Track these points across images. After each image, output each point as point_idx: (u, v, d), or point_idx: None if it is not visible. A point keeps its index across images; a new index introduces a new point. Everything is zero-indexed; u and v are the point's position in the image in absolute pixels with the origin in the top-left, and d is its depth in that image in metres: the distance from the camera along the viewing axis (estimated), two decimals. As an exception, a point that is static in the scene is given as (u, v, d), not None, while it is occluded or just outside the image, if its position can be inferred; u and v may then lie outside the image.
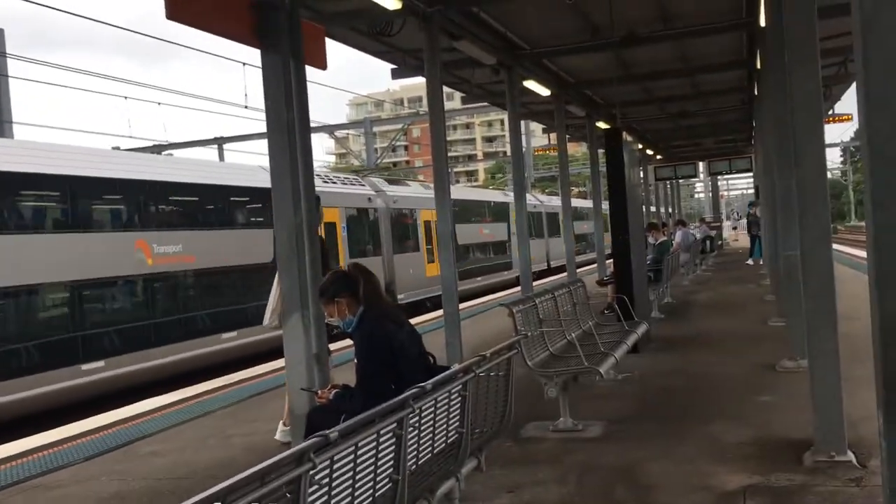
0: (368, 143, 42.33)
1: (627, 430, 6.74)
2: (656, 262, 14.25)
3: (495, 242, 32.37)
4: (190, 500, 2.19)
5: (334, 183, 21.89)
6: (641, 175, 31.80)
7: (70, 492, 6.24)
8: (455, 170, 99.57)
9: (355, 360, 4.31)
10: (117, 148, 30.79)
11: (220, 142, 36.75)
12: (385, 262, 22.58)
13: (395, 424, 3.19)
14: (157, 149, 35.64)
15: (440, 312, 13.06)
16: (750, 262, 25.82)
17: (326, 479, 2.70)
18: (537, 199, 36.71)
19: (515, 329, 6.59)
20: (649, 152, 30.62)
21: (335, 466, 2.75)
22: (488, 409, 4.45)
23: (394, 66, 13.28)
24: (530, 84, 14.08)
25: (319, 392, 4.57)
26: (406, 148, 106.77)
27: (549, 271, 34.36)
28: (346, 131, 54.89)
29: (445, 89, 11.85)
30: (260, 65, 6.55)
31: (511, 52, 12.75)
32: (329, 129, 39.51)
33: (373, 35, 10.86)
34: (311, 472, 2.54)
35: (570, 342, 7.52)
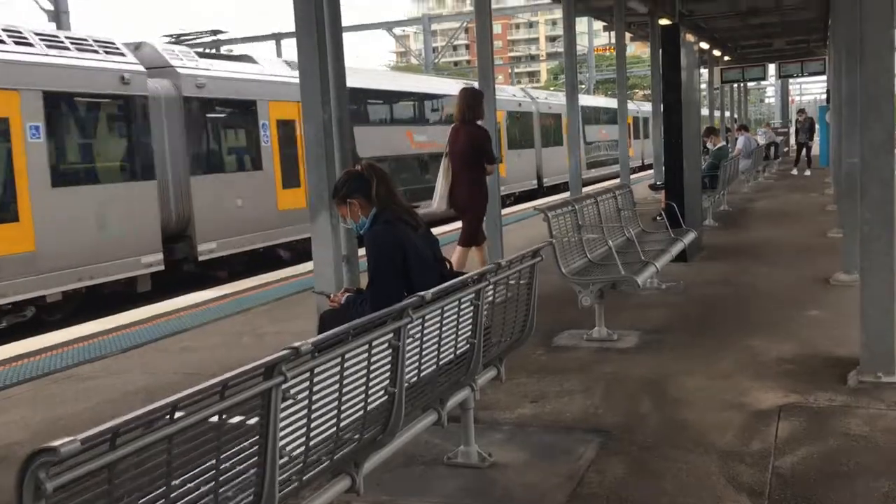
0: (427, 40, 41.40)
1: (663, 341, 6.50)
2: (713, 168, 13.70)
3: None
4: (144, 409, 2.05)
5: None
6: (705, 77, 30.54)
7: (100, 383, 6.31)
8: (516, 70, 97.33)
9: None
10: (169, 36, 30.67)
11: (277, 37, 36.30)
12: (536, 154, 28.14)
13: (391, 335, 3.00)
14: (215, 44, 35.35)
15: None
16: (794, 171, 24.82)
17: (305, 393, 2.53)
18: (529, 96, 29.96)
19: (551, 235, 6.32)
20: (716, 53, 29.19)
21: (316, 379, 2.57)
22: (506, 318, 4.23)
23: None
24: (587, -24, 13.32)
25: (332, 295, 4.41)
26: (467, 47, 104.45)
27: (542, 191, 28.27)
28: (406, 28, 53.78)
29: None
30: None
31: (567, -60, 12.01)
32: (387, 27, 38.68)
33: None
34: (285, 386, 2.37)
35: (612, 250, 7.22)
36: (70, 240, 11.22)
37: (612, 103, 37.33)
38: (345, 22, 6.79)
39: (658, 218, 11.91)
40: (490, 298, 3.96)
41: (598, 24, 28.69)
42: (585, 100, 29.15)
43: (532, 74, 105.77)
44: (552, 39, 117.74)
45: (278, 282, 10.90)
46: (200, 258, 13.47)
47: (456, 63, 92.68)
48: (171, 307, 9.27)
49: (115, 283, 12.03)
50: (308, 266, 11.85)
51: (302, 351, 2.36)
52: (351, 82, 6.91)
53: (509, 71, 73.25)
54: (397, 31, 43.24)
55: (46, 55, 11.18)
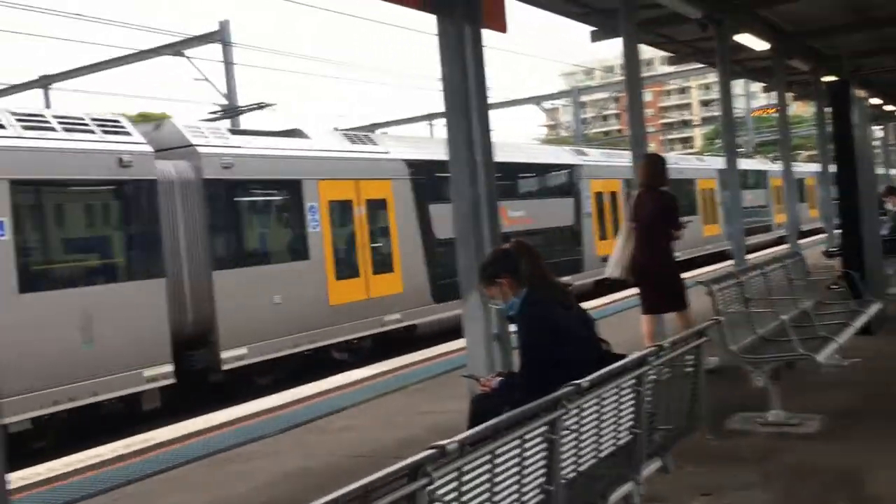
0: (576, 112, 41.55)
1: (852, 427, 5.84)
2: (895, 231, 12.60)
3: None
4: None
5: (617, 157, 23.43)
6: (880, 134, 28.71)
7: (257, 465, 6.37)
8: (668, 136, 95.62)
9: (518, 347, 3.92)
10: (336, 128, 32.27)
11: (430, 118, 37.50)
12: None
13: (545, 428, 2.77)
14: (373, 127, 36.93)
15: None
16: None
17: (453, 495, 2.34)
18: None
19: (715, 311, 5.89)
20: (889, 108, 27.43)
21: (464, 479, 2.38)
22: (671, 405, 3.89)
23: (593, 28, 12.59)
24: (743, 38, 12.84)
25: (482, 380, 4.22)
26: (617, 116, 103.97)
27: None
28: (555, 102, 54.22)
29: (657, 52, 11.04)
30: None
31: (720, 2, 11.65)
32: (536, 101, 39.13)
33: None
34: (430, 488, 2.19)
35: (784, 324, 6.66)
36: (40, 353, 9.25)
37: (756, 165, 35.47)
38: (494, 99, 6.79)
39: (834, 287, 11.03)
40: (652, 383, 3.65)
41: (757, 86, 27.75)
42: (718, 162, 25.43)
43: (685, 140, 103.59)
44: (706, 104, 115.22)
45: (434, 358, 10.86)
46: (225, 367, 11.35)
47: (606, 133, 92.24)
48: (333, 384, 9.38)
49: (117, 400, 10.09)
50: (462, 343, 11.77)
51: (449, 450, 2.18)
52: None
53: (660, 138, 72.09)
54: (546, 104, 43.65)
55: (20, 137, 9.49)
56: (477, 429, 2.45)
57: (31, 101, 19.99)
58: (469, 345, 6.19)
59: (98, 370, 9.71)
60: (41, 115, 10.17)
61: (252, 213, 12.89)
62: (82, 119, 10.40)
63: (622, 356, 3.73)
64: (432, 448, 2.17)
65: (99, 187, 10.48)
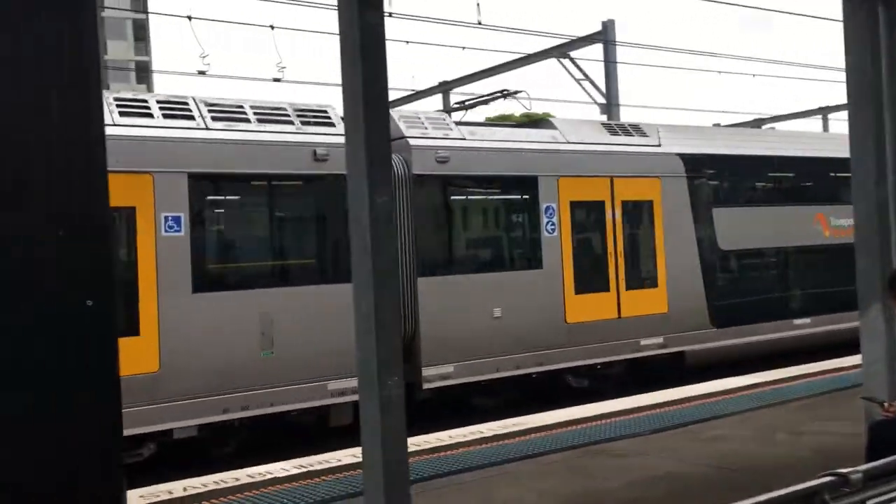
0: None
1: None
2: None
3: None
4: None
5: None
6: None
7: (628, 463, 6.38)
8: None
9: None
10: (717, 124, 30.84)
11: (824, 112, 34.42)
12: None
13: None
14: (757, 122, 34.93)
15: None
16: None
17: (851, 529, 2.10)
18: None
19: None
20: None
21: (866, 514, 2.13)
22: None
23: None
24: None
25: (886, 404, 3.76)
26: None
27: None
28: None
29: None
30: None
31: None
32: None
33: None
34: (826, 518, 2.00)
35: None
36: (212, 357, 8.64)
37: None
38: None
39: None
40: None
41: None
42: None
43: None
44: None
45: (821, 374, 10.00)
46: (426, 386, 9.99)
47: None
48: (701, 391, 9.08)
49: (302, 413, 9.18)
50: (851, 361, 10.61)
51: (852, 480, 1.96)
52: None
53: None
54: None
55: (205, 129, 9.05)
56: (888, 460, 2.17)
57: (429, 105, 21.90)
58: (867, 363, 5.55)
59: (277, 379, 8.90)
60: (238, 107, 9.43)
61: (470, 213, 11.45)
62: (283, 110, 9.68)
63: None
64: (831, 475, 1.97)
65: (286, 182, 9.63)
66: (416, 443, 7.03)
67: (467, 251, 11.07)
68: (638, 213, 12.07)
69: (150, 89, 36.40)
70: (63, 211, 1.68)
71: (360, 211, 3.83)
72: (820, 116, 35.50)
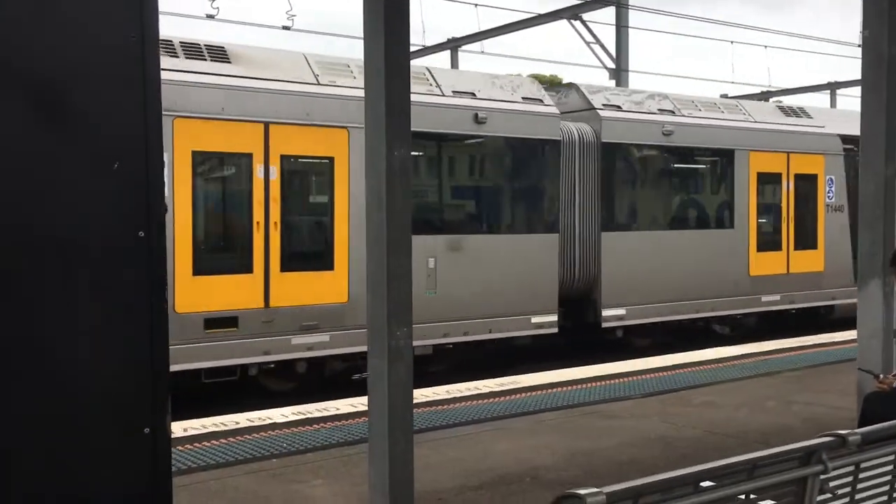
0: None
1: None
2: None
3: None
4: (670, 473, 1.98)
5: None
6: None
7: (623, 424, 6.51)
8: None
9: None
10: (725, 95, 30.70)
11: (832, 87, 34.23)
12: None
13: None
14: (764, 95, 34.73)
15: None
16: None
17: (846, 490, 2.20)
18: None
19: None
20: None
21: (862, 475, 2.23)
22: None
23: None
24: None
25: (881, 377, 3.85)
26: None
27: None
28: None
29: None
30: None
31: None
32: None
33: None
34: (824, 477, 2.09)
35: None
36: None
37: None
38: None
39: None
40: None
41: None
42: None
43: None
44: None
45: (812, 347, 10.13)
46: (605, 325, 11.66)
47: None
48: (691, 359, 9.22)
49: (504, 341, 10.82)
50: (850, 335, 10.77)
51: (849, 441, 2.05)
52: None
53: None
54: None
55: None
56: (884, 425, 2.26)
57: (438, 62, 21.79)
58: (862, 336, 5.65)
59: (494, 312, 10.44)
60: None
61: (657, 178, 12.80)
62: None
63: None
64: (830, 435, 2.06)
65: (451, 141, 10.88)
66: (414, 396, 7.15)
67: (649, 211, 12.60)
68: (805, 185, 14.05)
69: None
70: (119, 146, 1.73)
71: (377, 163, 3.87)
72: (828, 91, 35.28)
